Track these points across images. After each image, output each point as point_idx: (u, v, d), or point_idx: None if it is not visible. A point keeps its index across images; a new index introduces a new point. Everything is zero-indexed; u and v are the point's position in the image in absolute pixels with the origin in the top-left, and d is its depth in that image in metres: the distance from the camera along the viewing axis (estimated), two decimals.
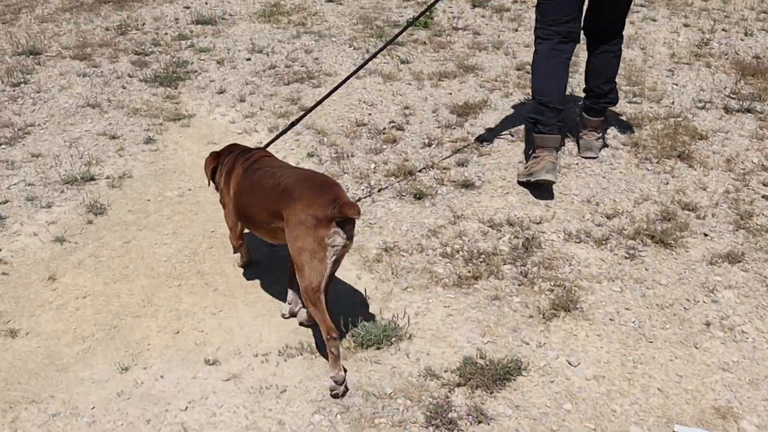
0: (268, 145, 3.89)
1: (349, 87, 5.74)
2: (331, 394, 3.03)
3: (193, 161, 4.90)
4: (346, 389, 3.05)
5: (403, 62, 6.25)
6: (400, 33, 4.41)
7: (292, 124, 4.09)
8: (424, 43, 6.72)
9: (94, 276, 3.80)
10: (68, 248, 4.01)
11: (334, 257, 2.91)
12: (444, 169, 4.57)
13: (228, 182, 3.45)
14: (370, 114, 5.31)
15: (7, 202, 4.39)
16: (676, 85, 5.82)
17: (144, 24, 7.20)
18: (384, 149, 4.85)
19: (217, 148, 3.84)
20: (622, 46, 4.61)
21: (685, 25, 7.16)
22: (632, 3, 4.47)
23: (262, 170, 3.27)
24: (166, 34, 6.97)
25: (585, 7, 4.25)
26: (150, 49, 6.59)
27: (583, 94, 4.70)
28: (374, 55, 4.33)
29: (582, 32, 4.34)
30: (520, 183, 4.36)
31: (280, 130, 4.22)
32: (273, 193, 3.08)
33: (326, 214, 2.84)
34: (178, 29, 7.07)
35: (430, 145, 4.87)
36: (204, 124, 5.38)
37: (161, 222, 4.25)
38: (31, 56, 6.47)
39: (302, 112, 4.54)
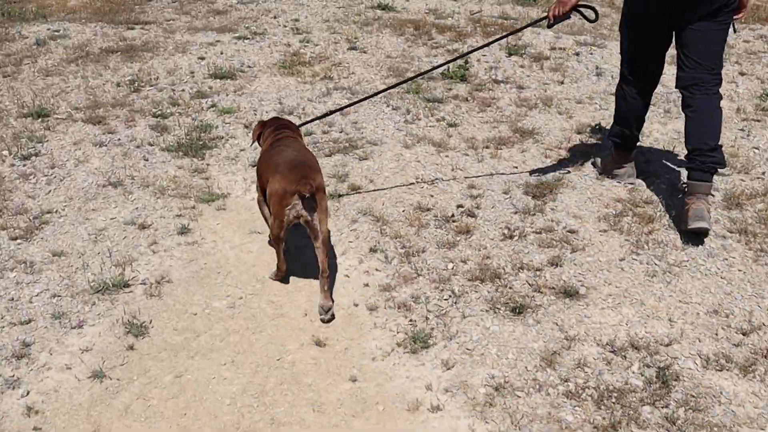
0: (302, 125, 4.63)
1: (401, 160, 5.04)
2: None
3: (237, 257, 4.17)
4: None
5: (450, 125, 5.56)
6: (433, 69, 5.18)
7: (329, 113, 5.01)
8: (467, 99, 6.04)
9: (147, 429, 3.06)
10: (110, 387, 3.26)
11: (295, 221, 3.57)
12: (537, 270, 3.87)
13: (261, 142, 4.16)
14: (432, 196, 4.60)
15: (30, 321, 3.63)
16: (757, 149, 5.17)
17: (158, 78, 6.46)
18: (458, 242, 4.14)
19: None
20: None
21: (741, 74, 6.55)
22: (725, 44, 4.09)
23: (277, 148, 3.83)
24: (183, 90, 6.24)
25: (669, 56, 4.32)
26: (168, 110, 5.85)
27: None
28: (401, 83, 5.19)
29: (678, 89, 4.20)
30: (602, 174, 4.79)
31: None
32: (270, 166, 3.69)
33: (292, 189, 3.47)
34: (195, 84, 6.34)
35: (511, 237, 4.17)
36: (242, 206, 4.65)
37: (215, 346, 3.51)
38: (39, 119, 5.71)
39: (339, 107, 5.58)
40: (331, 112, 4.97)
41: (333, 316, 3.62)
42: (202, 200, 4.67)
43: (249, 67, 6.75)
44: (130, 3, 8.85)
